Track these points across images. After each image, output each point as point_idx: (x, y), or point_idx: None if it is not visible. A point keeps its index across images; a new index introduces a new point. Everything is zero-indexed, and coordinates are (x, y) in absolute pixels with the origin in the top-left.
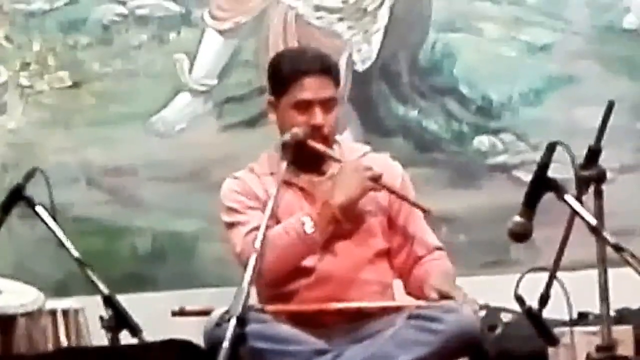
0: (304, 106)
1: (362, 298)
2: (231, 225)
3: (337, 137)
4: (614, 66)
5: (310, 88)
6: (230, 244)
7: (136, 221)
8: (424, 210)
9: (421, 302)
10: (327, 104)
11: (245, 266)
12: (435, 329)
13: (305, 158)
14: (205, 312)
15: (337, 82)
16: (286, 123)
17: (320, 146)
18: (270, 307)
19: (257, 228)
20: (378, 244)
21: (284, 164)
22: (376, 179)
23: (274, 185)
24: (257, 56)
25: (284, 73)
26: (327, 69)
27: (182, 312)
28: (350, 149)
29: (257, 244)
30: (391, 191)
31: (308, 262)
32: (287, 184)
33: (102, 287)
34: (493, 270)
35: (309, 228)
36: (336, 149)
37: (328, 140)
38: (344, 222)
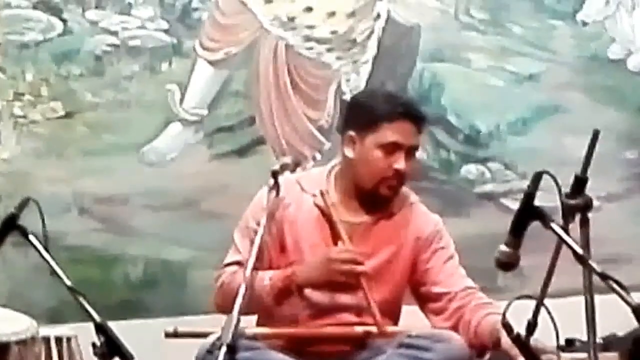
0: (391, 149)
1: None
2: (233, 241)
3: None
4: (599, 96)
5: (403, 132)
6: None
7: (128, 249)
8: (378, 327)
9: (415, 331)
10: (412, 152)
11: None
12: (424, 358)
13: (369, 199)
14: (198, 335)
15: (421, 133)
16: (368, 161)
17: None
18: (260, 331)
19: (238, 263)
20: (382, 293)
21: (272, 194)
22: (357, 275)
23: (309, 207)
24: (248, 86)
25: (379, 111)
26: (421, 117)
27: (175, 334)
28: (401, 197)
29: (247, 272)
30: (364, 292)
31: (313, 296)
32: (323, 212)
33: (94, 314)
34: None
35: (265, 294)
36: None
37: (401, 187)
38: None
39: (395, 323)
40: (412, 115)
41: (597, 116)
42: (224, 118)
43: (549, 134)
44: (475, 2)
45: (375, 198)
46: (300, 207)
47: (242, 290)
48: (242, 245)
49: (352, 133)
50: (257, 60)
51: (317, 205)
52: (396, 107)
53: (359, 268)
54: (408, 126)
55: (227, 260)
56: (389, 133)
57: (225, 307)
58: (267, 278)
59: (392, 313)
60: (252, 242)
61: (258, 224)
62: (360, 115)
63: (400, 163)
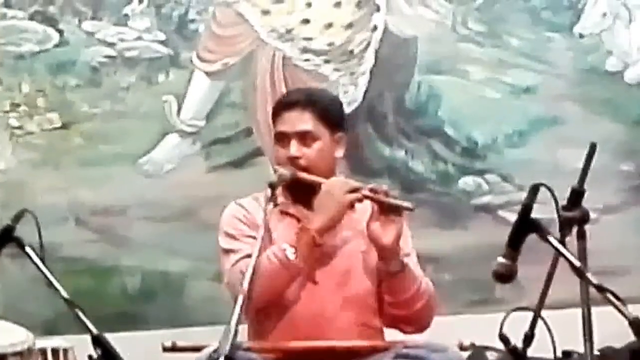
0: (283, 139)
1: (343, 338)
2: (225, 252)
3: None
4: (596, 108)
5: (287, 121)
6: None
7: (125, 260)
8: (408, 209)
9: (411, 342)
10: (305, 138)
11: (233, 296)
12: None
13: (297, 191)
14: (196, 349)
15: (323, 118)
16: (275, 157)
17: (307, 176)
18: (257, 345)
19: (247, 255)
20: (362, 284)
21: (270, 206)
22: (355, 189)
23: (276, 216)
24: (245, 98)
25: (273, 108)
26: (307, 103)
27: (173, 348)
28: None
29: (245, 285)
30: (372, 199)
31: (293, 300)
32: (286, 214)
33: (91, 327)
34: (478, 309)
35: (291, 255)
36: None
37: (310, 174)
38: (324, 246)
39: (380, 316)
40: (293, 103)
41: (593, 128)
42: (221, 129)
43: (545, 146)
44: (473, 14)
45: (303, 188)
46: (269, 219)
47: (240, 300)
48: (235, 245)
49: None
50: (254, 71)
51: (294, 177)
52: (281, 99)
53: (355, 183)
54: (292, 114)
55: (234, 259)
56: (277, 125)
57: (260, 293)
58: (283, 246)
59: (374, 304)
60: (241, 242)
61: (235, 228)
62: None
63: (290, 150)
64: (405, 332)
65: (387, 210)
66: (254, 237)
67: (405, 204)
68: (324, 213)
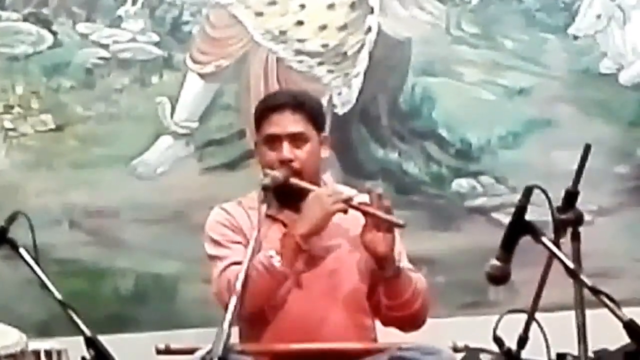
0: (273, 141)
1: (337, 339)
2: (212, 258)
3: (324, 178)
4: (591, 110)
5: (277, 123)
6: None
7: (118, 262)
8: (398, 225)
9: (405, 344)
10: (296, 139)
11: (222, 305)
12: None
13: (286, 196)
14: (190, 351)
15: (312, 120)
16: (261, 160)
17: (302, 183)
18: (251, 347)
19: (235, 263)
20: (352, 285)
21: (264, 207)
22: (345, 201)
23: (265, 221)
24: (238, 100)
25: (258, 110)
26: (297, 105)
27: (167, 350)
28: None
29: (238, 286)
30: (359, 210)
31: (284, 303)
32: (273, 219)
33: (84, 328)
34: (472, 312)
35: (276, 261)
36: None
37: (302, 176)
38: (310, 250)
39: (369, 315)
40: (283, 105)
41: (588, 130)
42: (215, 131)
43: (540, 148)
44: (467, 15)
45: (293, 193)
46: (249, 224)
47: (233, 302)
48: (220, 252)
49: (256, 139)
50: (248, 73)
51: (287, 180)
52: (269, 101)
53: (344, 194)
54: (281, 116)
55: (221, 267)
56: (266, 127)
57: (247, 299)
58: (269, 253)
59: (365, 305)
60: (228, 248)
61: (219, 234)
62: (254, 120)
63: (282, 153)
64: (404, 331)
65: (378, 224)
66: (239, 242)
67: (396, 220)
68: (309, 219)
